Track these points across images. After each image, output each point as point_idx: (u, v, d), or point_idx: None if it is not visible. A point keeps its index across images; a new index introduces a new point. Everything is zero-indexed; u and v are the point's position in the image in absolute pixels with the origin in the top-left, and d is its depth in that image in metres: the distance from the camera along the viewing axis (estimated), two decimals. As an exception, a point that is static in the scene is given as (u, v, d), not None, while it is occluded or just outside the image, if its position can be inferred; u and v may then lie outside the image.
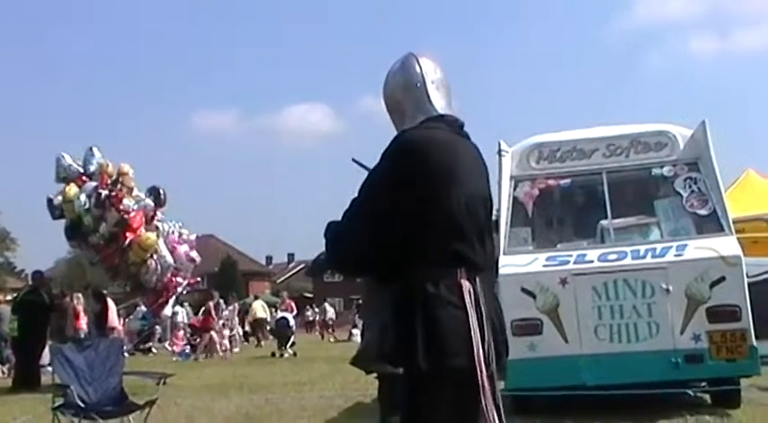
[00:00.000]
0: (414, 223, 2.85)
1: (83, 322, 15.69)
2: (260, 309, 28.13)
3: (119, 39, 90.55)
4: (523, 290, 7.73)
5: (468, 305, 2.79)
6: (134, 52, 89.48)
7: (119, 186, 14.25)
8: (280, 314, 23.64)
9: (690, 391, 7.43)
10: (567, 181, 8.74)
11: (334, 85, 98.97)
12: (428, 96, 3.08)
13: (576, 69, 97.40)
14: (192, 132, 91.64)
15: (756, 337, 7.45)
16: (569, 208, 9.12)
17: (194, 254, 16.27)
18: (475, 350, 2.74)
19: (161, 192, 15.06)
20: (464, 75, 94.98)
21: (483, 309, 2.85)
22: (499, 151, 8.74)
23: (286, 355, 21.39)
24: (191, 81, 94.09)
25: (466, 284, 2.83)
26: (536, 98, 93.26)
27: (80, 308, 15.79)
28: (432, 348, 2.73)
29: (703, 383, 7.93)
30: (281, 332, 22.47)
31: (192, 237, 16.60)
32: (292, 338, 22.38)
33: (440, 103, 3.09)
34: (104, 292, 16.56)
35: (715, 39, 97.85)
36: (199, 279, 20.47)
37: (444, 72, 3.18)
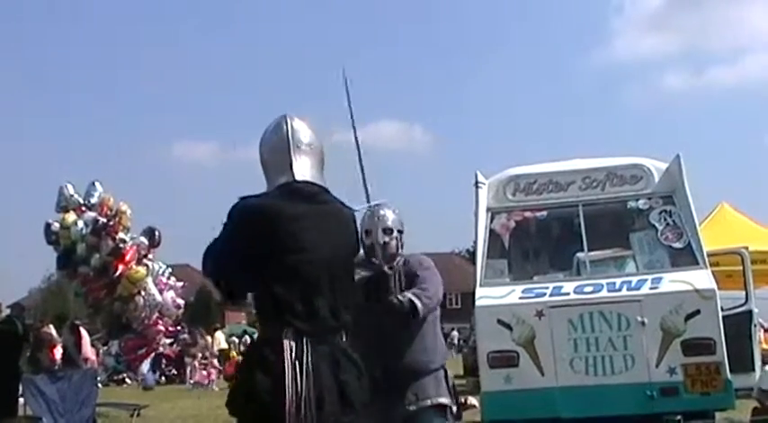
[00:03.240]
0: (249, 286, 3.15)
1: (57, 353, 15.52)
2: (222, 340, 27.89)
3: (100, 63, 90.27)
4: (500, 322, 7.71)
5: (287, 366, 2.89)
6: (112, 77, 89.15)
7: (117, 219, 14.18)
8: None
9: (665, 425, 7.43)
10: (544, 213, 8.77)
11: (314, 115, 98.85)
12: (291, 162, 3.13)
13: (553, 101, 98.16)
14: (171, 162, 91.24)
15: (731, 371, 7.48)
16: (546, 240, 9.14)
17: (180, 301, 16.12)
18: (286, 406, 2.85)
19: (156, 233, 14.97)
20: (440, 104, 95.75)
21: (305, 369, 2.90)
22: (476, 183, 8.77)
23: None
24: (171, 111, 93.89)
25: (288, 346, 2.93)
26: (513, 129, 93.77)
27: (55, 338, 15.62)
28: (249, 399, 2.97)
29: (678, 417, 7.89)
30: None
31: (179, 284, 16.46)
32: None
33: (302, 170, 3.14)
34: (78, 322, 16.40)
35: (690, 75, 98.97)
36: (179, 327, 20.48)
37: (318, 138, 3.24)
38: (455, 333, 41.84)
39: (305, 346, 2.91)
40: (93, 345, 18.66)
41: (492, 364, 7.69)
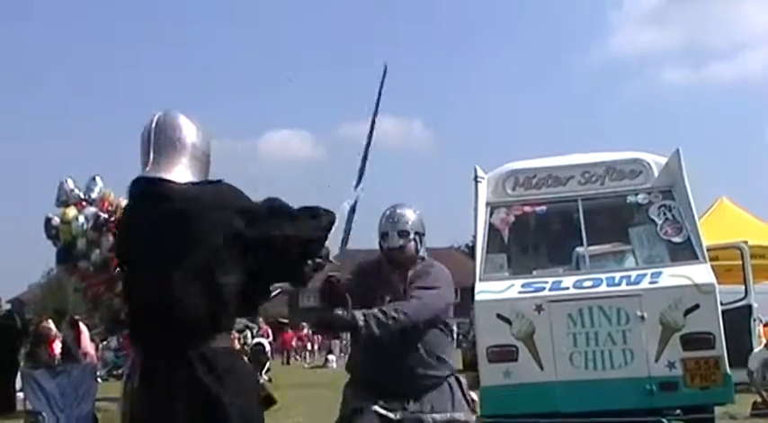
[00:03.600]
0: None
1: (56, 348, 15.53)
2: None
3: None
4: (499, 316, 7.72)
5: (135, 381, 2.76)
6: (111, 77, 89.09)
7: (117, 214, 14.19)
8: (255, 340, 23.49)
9: (664, 420, 7.42)
10: (543, 208, 8.76)
11: (314, 112, 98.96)
12: (148, 157, 2.93)
13: (552, 97, 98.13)
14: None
15: (730, 365, 7.49)
16: (545, 235, 9.14)
17: None
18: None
19: None
20: (441, 98, 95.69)
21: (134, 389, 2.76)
22: (475, 177, 8.76)
23: (261, 380, 21.23)
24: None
25: (138, 362, 2.79)
26: (513, 124, 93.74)
27: (54, 333, 15.62)
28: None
29: (678, 411, 7.91)
30: (257, 358, 22.32)
31: None
32: (268, 364, 22.24)
33: (156, 166, 2.90)
34: (77, 317, 16.39)
35: (689, 70, 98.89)
36: None
37: (198, 135, 3.00)
38: (454, 328, 41.93)
39: (159, 364, 2.71)
40: (92, 340, 18.67)
41: (491, 358, 7.69)
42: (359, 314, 3.83)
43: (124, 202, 14.79)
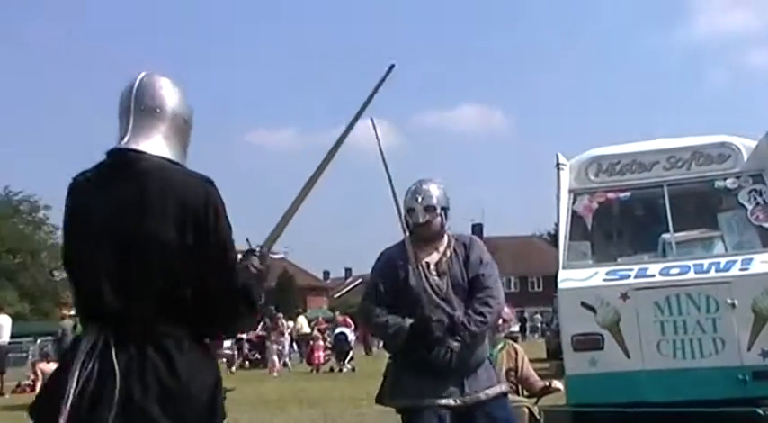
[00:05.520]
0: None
1: None
2: (305, 324, 28.13)
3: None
4: (583, 304, 7.62)
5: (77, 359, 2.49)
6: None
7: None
8: (338, 329, 23.69)
9: (759, 410, 7.22)
10: (627, 194, 8.62)
11: (393, 101, 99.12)
12: (126, 125, 2.70)
13: (634, 82, 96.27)
14: (244, 147, 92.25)
15: (830, 353, 7.25)
16: (629, 221, 8.99)
17: None
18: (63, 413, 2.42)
19: None
20: (522, 86, 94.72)
21: (95, 365, 2.47)
22: (557, 164, 8.67)
23: (344, 369, 21.42)
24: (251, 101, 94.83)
25: (88, 339, 2.53)
26: (595, 111, 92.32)
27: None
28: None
29: (772, 401, 7.72)
30: (340, 347, 22.52)
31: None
32: (351, 353, 22.41)
33: (135, 136, 2.68)
34: None
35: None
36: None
37: (178, 102, 2.76)
38: (538, 316, 41.61)
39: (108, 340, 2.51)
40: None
41: (576, 346, 7.60)
42: (453, 344, 4.01)
43: None
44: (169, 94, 2.73)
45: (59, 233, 47.75)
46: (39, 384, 17.46)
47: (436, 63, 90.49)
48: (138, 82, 2.71)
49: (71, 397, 2.42)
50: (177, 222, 2.54)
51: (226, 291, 2.61)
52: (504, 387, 4.30)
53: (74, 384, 2.43)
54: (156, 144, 2.66)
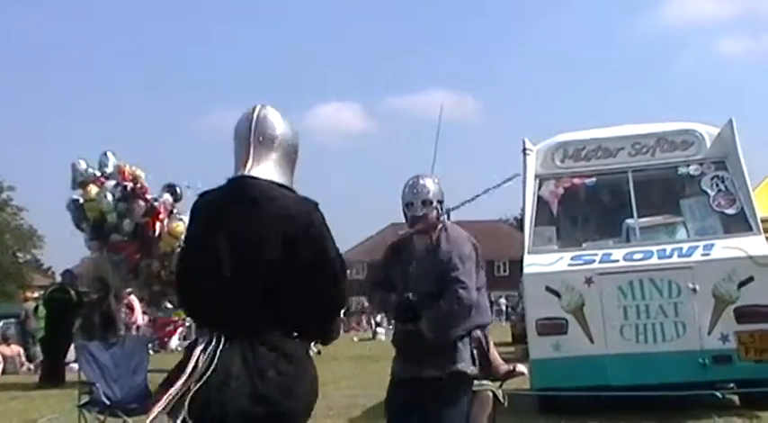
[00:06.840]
0: None
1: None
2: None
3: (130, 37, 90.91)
4: (548, 289, 7.68)
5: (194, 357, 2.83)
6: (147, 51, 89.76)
7: (138, 184, 14.40)
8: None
9: (718, 393, 7.33)
10: (593, 180, 8.68)
11: (363, 84, 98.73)
12: (247, 154, 3.05)
13: (601, 67, 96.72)
14: (206, 129, 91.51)
15: (787, 338, 7.37)
16: (594, 207, 9.07)
17: None
18: (164, 399, 2.74)
19: (177, 188, 15.18)
20: (487, 71, 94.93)
21: (201, 361, 2.81)
22: (524, 149, 8.70)
23: (311, 353, 21.39)
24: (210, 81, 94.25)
25: (201, 339, 2.88)
26: (562, 96, 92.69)
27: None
28: None
29: (732, 385, 7.83)
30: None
31: None
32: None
33: (256, 165, 3.04)
34: (129, 290, 16.64)
35: (746, 40, 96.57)
36: None
37: (290, 133, 3.13)
38: (503, 300, 41.77)
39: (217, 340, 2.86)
40: (144, 312, 18.99)
41: (540, 331, 7.67)
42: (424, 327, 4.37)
43: (138, 171, 15.04)
44: (282, 127, 3.09)
45: (23, 214, 47.65)
46: (-1, 367, 17.29)
47: (407, 49, 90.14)
48: (255, 116, 3.06)
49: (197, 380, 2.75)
50: (283, 242, 2.90)
51: (328, 305, 3.13)
52: (468, 368, 4.46)
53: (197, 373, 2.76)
54: (269, 170, 3.02)
